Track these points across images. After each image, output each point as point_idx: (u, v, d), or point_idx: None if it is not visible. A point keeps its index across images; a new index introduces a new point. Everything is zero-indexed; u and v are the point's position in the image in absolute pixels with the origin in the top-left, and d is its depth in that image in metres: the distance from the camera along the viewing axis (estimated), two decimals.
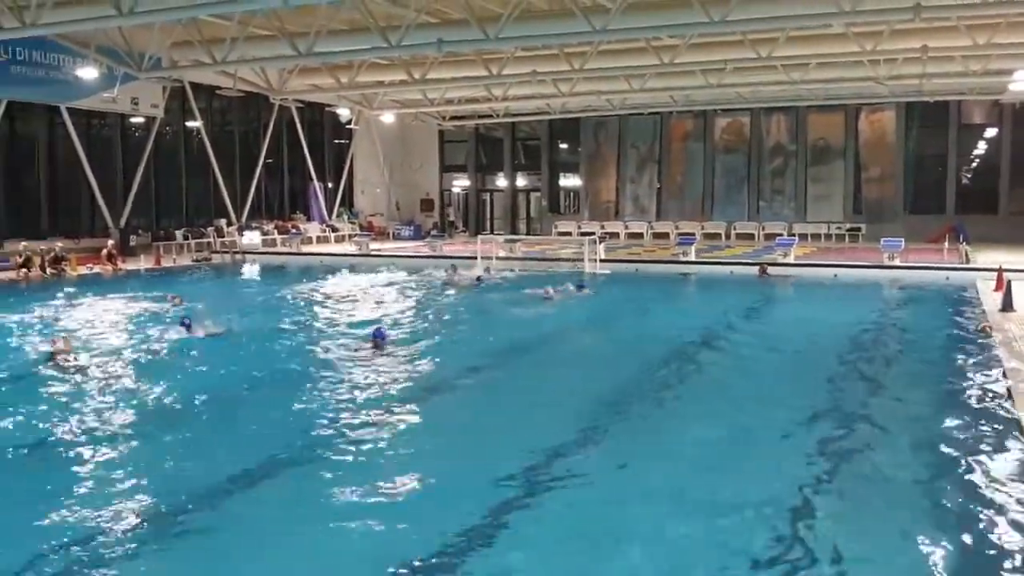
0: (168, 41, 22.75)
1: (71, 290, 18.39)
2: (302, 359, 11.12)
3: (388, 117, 34.52)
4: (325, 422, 8.01)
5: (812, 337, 12.73)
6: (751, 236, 32.29)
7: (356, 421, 8.01)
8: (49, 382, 9.57)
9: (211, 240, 28.18)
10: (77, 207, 25.86)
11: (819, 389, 9.17)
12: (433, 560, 5.03)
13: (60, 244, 22.60)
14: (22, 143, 24.68)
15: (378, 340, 11.10)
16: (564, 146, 37.99)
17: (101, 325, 13.66)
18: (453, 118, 35.86)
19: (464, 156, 39.08)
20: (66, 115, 24.59)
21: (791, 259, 23.17)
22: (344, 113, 33.51)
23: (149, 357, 11.06)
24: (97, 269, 22.16)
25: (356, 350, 11.16)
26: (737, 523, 5.57)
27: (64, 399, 8.84)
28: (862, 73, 24.58)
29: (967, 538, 5.42)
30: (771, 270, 21.25)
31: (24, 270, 20.61)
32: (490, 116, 34.11)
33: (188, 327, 12.39)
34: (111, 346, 11.75)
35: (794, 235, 28.42)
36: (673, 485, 6.33)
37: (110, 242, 23.66)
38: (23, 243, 21.57)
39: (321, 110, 33.74)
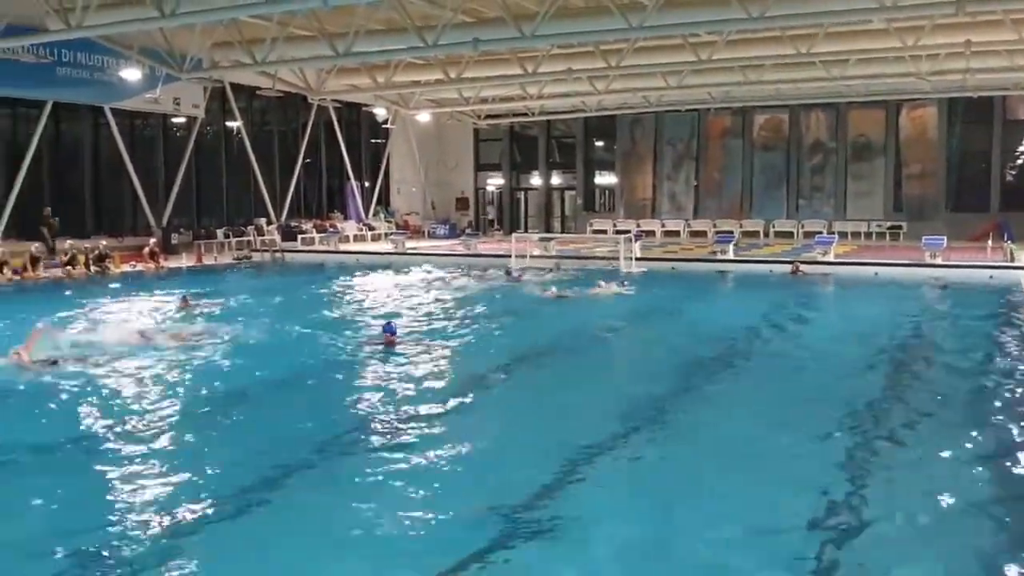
0: (209, 42, 23.06)
1: (113, 287, 18.73)
2: (341, 353, 11.26)
3: (424, 116, 34.69)
4: (365, 418, 8.09)
5: (853, 336, 12.55)
6: (790, 234, 32.01)
7: (407, 415, 8.10)
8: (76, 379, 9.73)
9: (251, 239, 28.51)
10: (120, 206, 26.29)
11: (859, 389, 9.03)
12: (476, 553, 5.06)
13: (104, 242, 23.00)
14: (68, 144, 25.11)
15: (390, 335, 11.03)
16: (599, 144, 37.91)
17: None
18: (488, 117, 35.96)
19: (499, 155, 39.14)
20: (110, 116, 25.02)
21: (831, 257, 22.95)
22: (381, 113, 33.74)
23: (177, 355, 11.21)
24: (140, 267, 22.53)
25: (369, 346, 11.16)
26: (777, 531, 5.49)
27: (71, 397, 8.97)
28: (903, 69, 24.27)
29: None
30: (804, 268, 21.08)
31: (69, 267, 21.00)
32: (525, 114, 34.14)
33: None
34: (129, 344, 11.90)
35: (834, 233, 28.11)
36: (710, 485, 6.31)
37: (152, 240, 24.05)
38: (69, 241, 21.96)
39: (358, 110, 33.99)
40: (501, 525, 5.42)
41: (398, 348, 11.03)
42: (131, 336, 11.94)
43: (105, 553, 5.05)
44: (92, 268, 21.44)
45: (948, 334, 13.37)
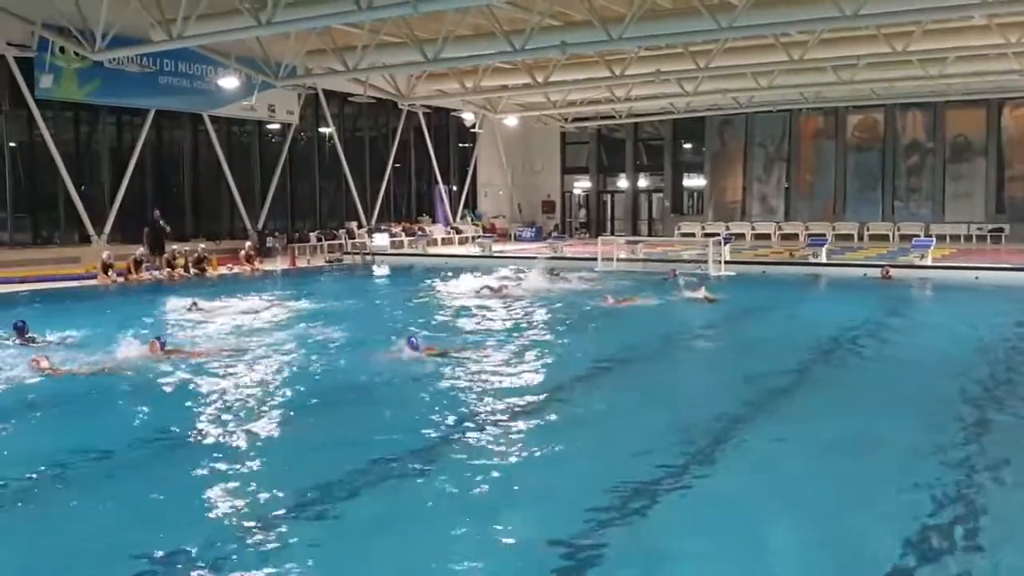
0: (303, 50, 23.67)
1: (212, 288, 19.37)
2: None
3: (511, 120, 34.92)
4: (450, 420, 8.19)
5: (955, 342, 12.12)
6: (885, 237, 31.17)
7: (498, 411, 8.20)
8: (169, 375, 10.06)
9: (343, 242, 29.13)
10: (218, 210, 27.17)
11: (956, 399, 8.72)
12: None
13: (203, 245, 23.80)
14: (169, 150, 26.10)
15: (411, 348, 10.59)
16: (688, 145, 37.53)
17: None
18: (575, 120, 36.00)
19: (585, 157, 39.11)
20: (209, 123, 25.93)
21: (928, 261, 22.25)
22: (468, 117, 34.09)
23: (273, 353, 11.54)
24: (236, 269, 23.24)
25: (386, 356, 10.79)
26: (863, 539, 5.35)
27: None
28: (1005, 66, 23.35)
29: None
30: (894, 272, 20.53)
31: (170, 270, 21.81)
32: (612, 117, 34.04)
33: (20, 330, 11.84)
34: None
35: (931, 236, 27.21)
36: (799, 489, 6.22)
37: (248, 243, 24.79)
38: (174, 246, 22.78)
39: (447, 115, 34.41)
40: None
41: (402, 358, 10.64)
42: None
43: (196, 549, 5.17)
44: (192, 270, 22.20)
45: None
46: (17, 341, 11.65)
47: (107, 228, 23.16)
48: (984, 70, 24.24)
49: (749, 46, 22.81)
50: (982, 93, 28.70)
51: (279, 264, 24.67)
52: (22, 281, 19.19)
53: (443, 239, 32.88)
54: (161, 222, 22.33)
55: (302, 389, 9.40)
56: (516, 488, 6.31)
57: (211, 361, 10.61)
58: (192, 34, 19.38)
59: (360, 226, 30.50)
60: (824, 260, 23.08)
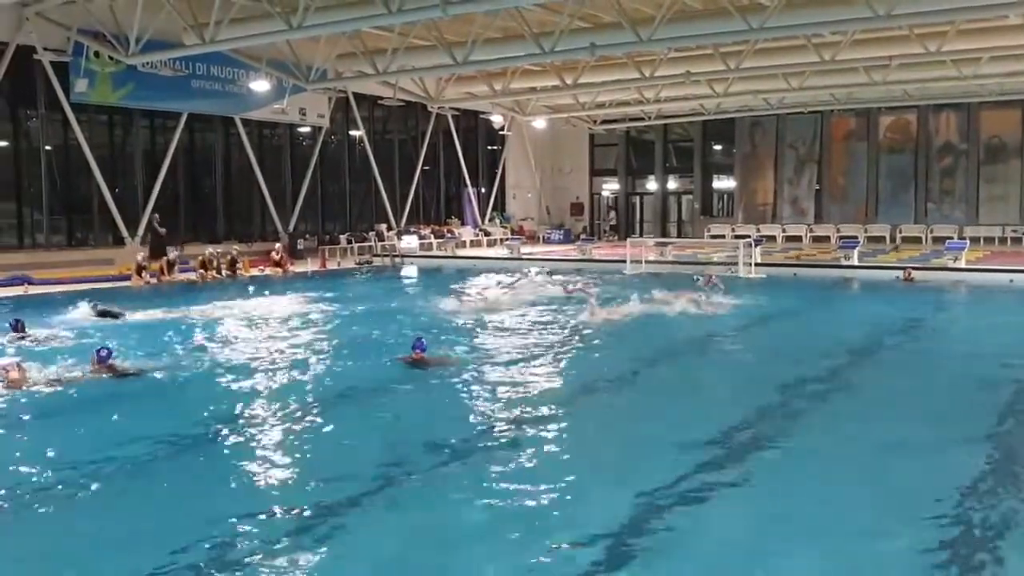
0: (333, 53, 23.84)
1: (243, 290, 19.57)
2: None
3: (539, 122, 34.93)
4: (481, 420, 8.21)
5: (992, 347, 11.97)
6: (918, 239, 30.80)
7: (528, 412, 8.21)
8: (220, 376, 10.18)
9: (372, 244, 29.28)
10: (249, 213, 27.41)
11: (991, 406, 8.61)
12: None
13: (235, 247, 24.01)
14: (201, 153, 26.38)
15: (418, 352, 10.40)
16: (718, 147, 37.34)
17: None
18: (604, 122, 35.94)
19: (614, 159, 39.02)
20: (240, 126, 26.17)
21: (962, 263, 21.97)
22: (497, 120, 34.14)
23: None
24: (268, 271, 23.44)
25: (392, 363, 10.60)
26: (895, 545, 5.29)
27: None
28: None
29: None
30: (916, 275, 20.38)
31: (202, 271, 22.03)
32: (641, 119, 33.95)
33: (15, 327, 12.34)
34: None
35: (965, 238, 26.86)
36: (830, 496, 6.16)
37: (279, 245, 24.98)
38: (209, 248, 22.99)
39: (475, 117, 34.49)
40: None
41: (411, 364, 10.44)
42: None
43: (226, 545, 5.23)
44: (224, 272, 22.41)
45: None
46: (12, 336, 12.03)
47: (140, 230, 23.43)
48: (1019, 70, 23.88)
49: (780, 47, 22.64)
50: (1017, 94, 28.25)
51: (310, 266, 24.84)
52: (58, 282, 19.46)
53: (471, 241, 32.96)
54: (158, 226, 22.20)
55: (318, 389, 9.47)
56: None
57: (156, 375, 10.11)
58: (224, 38, 19.58)
59: (389, 228, 30.64)
60: (856, 262, 22.87)
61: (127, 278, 20.70)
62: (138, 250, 21.89)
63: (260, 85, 24.49)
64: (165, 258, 21.67)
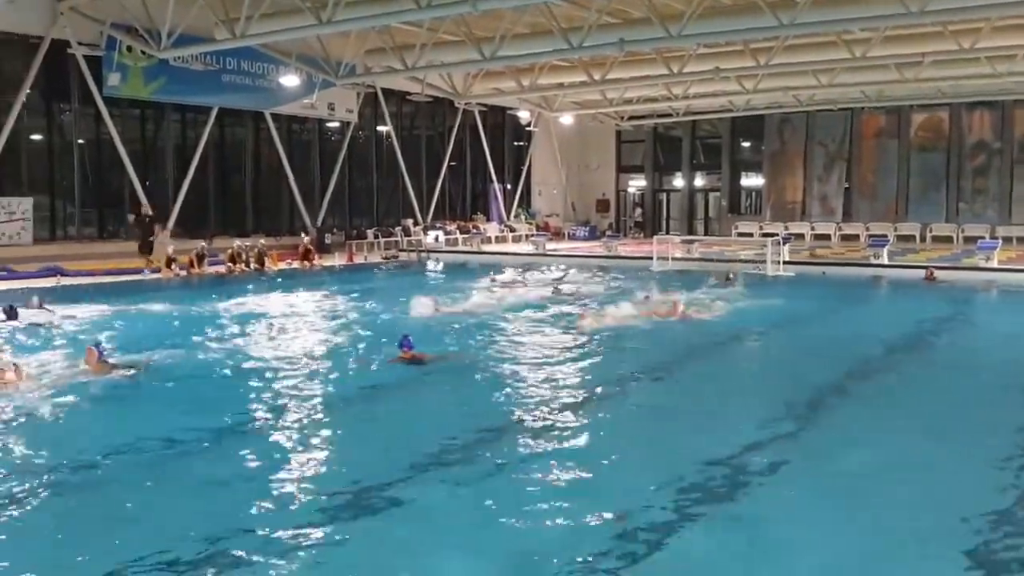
0: (362, 49, 23.95)
1: (270, 283, 19.73)
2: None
3: (566, 118, 34.87)
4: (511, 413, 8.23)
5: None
6: (949, 239, 30.47)
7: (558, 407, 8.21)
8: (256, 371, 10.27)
9: (399, 239, 29.40)
10: (278, 207, 27.59)
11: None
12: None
13: (263, 241, 24.18)
14: (231, 147, 26.58)
15: (407, 349, 10.29)
16: (746, 144, 37.10)
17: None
18: (631, 118, 35.82)
19: (641, 156, 38.89)
20: (270, 121, 26.35)
21: (994, 263, 21.70)
22: (524, 115, 34.14)
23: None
24: (295, 265, 23.60)
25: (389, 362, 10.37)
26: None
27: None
28: None
29: None
30: (939, 274, 20.20)
31: (231, 264, 22.21)
32: (669, 115, 33.81)
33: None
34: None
35: (997, 238, 26.52)
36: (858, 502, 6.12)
37: (307, 239, 25.13)
38: (237, 242, 23.19)
39: (502, 113, 34.51)
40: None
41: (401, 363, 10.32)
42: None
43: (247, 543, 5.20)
44: (252, 266, 22.59)
45: None
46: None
47: (170, 223, 23.65)
48: None
49: (810, 43, 22.48)
50: None
51: (337, 260, 24.98)
52: (89, 274, 19.69)
53: (497, 237, 32.99)
54: (143, 214, 22.11)
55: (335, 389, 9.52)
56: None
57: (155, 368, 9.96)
58: (255, 33, 19.74)
59: (416, 223, 30.74)
60: (886, 261, 22.67)
61: (157, 270, 20.91)
62: (169, 242, 22.09)
63: (290, 80, 24.63)
64: (194, 250, 21.84)
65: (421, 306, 14.39)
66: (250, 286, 18.87)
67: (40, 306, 13.99)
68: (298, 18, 18.96)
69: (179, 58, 22.09)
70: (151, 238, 21.98)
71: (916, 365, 11.17)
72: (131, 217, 22.96)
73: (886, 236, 26.98)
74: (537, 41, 21.59)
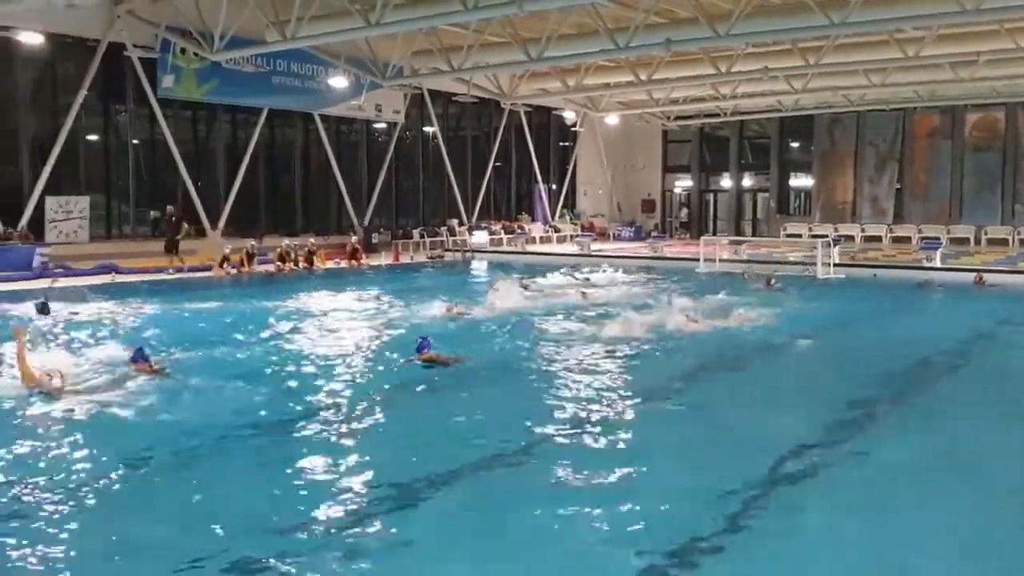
0: (410, 50, 24.13)
1: (318, 282, 19.97)
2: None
3: (612, 118, 34.76)
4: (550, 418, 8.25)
5: None
6: (1004, 242, 29.85)
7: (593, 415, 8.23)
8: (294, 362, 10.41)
9: (444, 239, 29.56)
10: (326, 207, 27.90)
11: None
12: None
13: (312, 240, 24.49)
14: (281, 148, 26.96)
15: (425, 351, 10.22)
16: (795, 144, 36.68)
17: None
18: (677, 118, 35.61)
19: (687, 156, 38.64)
20: (319, 122, 26.67)
21: None
22: (569, 116, 34.12)
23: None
24: (343, 264, 23.85)
25: (405, 363, 10.33)
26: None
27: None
28: None
29: None
30: (988, 278, 19.70)
31: (280, 263, 22.53)
32: (716, 115, 33.55)
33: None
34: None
35: None
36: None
37: (354, 239, 25.39)
38: (286, 241, 23.51)
39: (548, 113, 34.52)
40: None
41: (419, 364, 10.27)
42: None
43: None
44: (301, 264, 22.88)
45: None
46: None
47: (221, 222, 24.05)
48: None
49: (861, 43, 22.18)
50: None
51: (383, 260, 25.19)
52: (143, 271, 20.10)
53: (541, 237, 33.00)
54: (171, 217, 22.10)
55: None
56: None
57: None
58: (304, 35, 20.00)
59: (461, 224, 30.89)
60: (938, 264, 22.27)
61: (209, 268, 21.28)
62: (223, 242, 22.46)
63: (338, 81, 24.91)
64: (244, 249, 22.16)
65: (504, 288, 15.66)
66: (298, 285, 19.11)
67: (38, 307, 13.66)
68: (347, 20, 19.17)
69: (231, 60, 22.44)
70: (177, 237, 22.23)
71: (967, 372, 10.97)
72: (153, 214, 23.25)
73: (939, 238, 26.50)
74: (583, 42, 21.58)
